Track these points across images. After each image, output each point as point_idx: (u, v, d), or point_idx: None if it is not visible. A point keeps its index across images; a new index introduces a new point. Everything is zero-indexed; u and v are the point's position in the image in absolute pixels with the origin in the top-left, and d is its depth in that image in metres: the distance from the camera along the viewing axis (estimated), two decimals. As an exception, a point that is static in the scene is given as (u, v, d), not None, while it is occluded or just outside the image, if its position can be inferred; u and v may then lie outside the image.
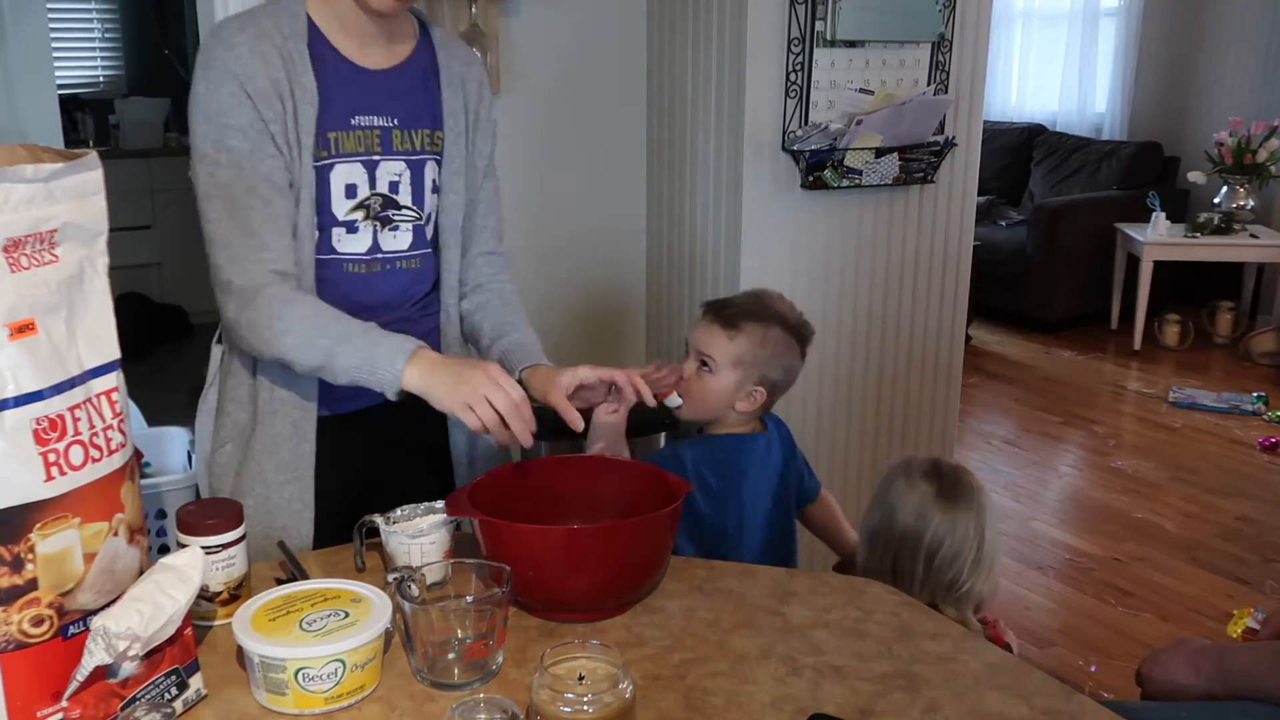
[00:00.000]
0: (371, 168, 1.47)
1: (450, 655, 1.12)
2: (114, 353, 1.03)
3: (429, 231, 1.56)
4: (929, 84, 2.72)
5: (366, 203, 1.48)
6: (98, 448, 0.98)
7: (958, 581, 1.55)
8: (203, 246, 1.42)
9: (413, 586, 1.14)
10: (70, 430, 0.96)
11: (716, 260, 2.79)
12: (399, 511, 1.35)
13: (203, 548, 1.14)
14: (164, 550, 1.48)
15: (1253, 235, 5.24)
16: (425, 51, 1.54)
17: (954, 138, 2.78)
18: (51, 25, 3.49)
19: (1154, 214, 5.30)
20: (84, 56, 5.97)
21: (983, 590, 1.57)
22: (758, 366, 1.67)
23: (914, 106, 2.61)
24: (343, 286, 1.49)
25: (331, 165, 1.44)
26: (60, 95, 3.46)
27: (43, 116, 3.12)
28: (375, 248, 1.51)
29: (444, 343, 1.60)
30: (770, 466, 1.74)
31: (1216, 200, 5.41)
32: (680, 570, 1.36)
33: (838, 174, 2.63)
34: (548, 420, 1.39)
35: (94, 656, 0.96)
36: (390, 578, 1.26)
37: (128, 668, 1.00)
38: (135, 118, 5.62)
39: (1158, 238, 5.26)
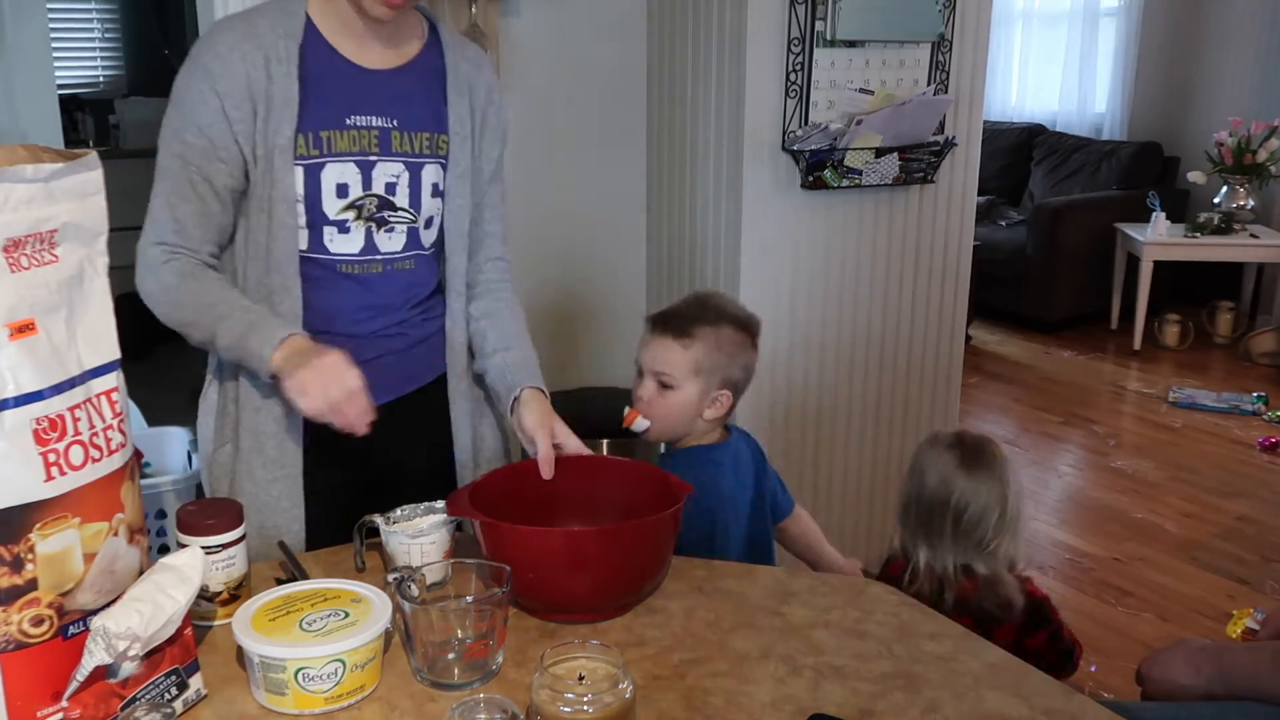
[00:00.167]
0: (367, 168, 1.45)
1: (450, 655, 1.12)
2: (114, 353, 1.03)
3: (425, 234, 1.54)
4: (929, 84, 2.72)
5: (359, 203, 1.46)
6: (98, 448, 0.98)
7: (985, 540, 1.70)
8: None
9: (413, 586, 1.14)
10: (70, 430, 0.96)
11: (716, 260, 2.79)
12: (399, 511, 1.35)
13: (203, 548, 1.15)
14: (164, 550, 1.48)
15: (1253, 235, 5.24)
16: (433, 53, 1.52)
17: (954, 138, 2.78)
18: (51, 25, 3.50)
19: (1154, 214, 5.29)
20: (84, 56, 5.97)
21: (1011, 549, 1.72)
22: (718, 371, 1.64)
23: (914, 106, 2.61)
24: (338, 287, 1.48)
25: (323, 164, 1.43)
26: (60, 95, 3.47)
27: (43, 116, 3.13)
28: (370, 249, 1.49)
29: (449, 348, 1.58)
30: (743, 472, 1.72)
31: (1216, 200, 5.41)
32: (680, 570, 1.36)
33: (838, 174, 2.63)
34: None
35: (94, 656, 0.96)
36: (390, 578, 1.26)
37: (128, 668, 1.00)
38: (135, 118, 5.60)
39: (1158, 238, 5.25)
